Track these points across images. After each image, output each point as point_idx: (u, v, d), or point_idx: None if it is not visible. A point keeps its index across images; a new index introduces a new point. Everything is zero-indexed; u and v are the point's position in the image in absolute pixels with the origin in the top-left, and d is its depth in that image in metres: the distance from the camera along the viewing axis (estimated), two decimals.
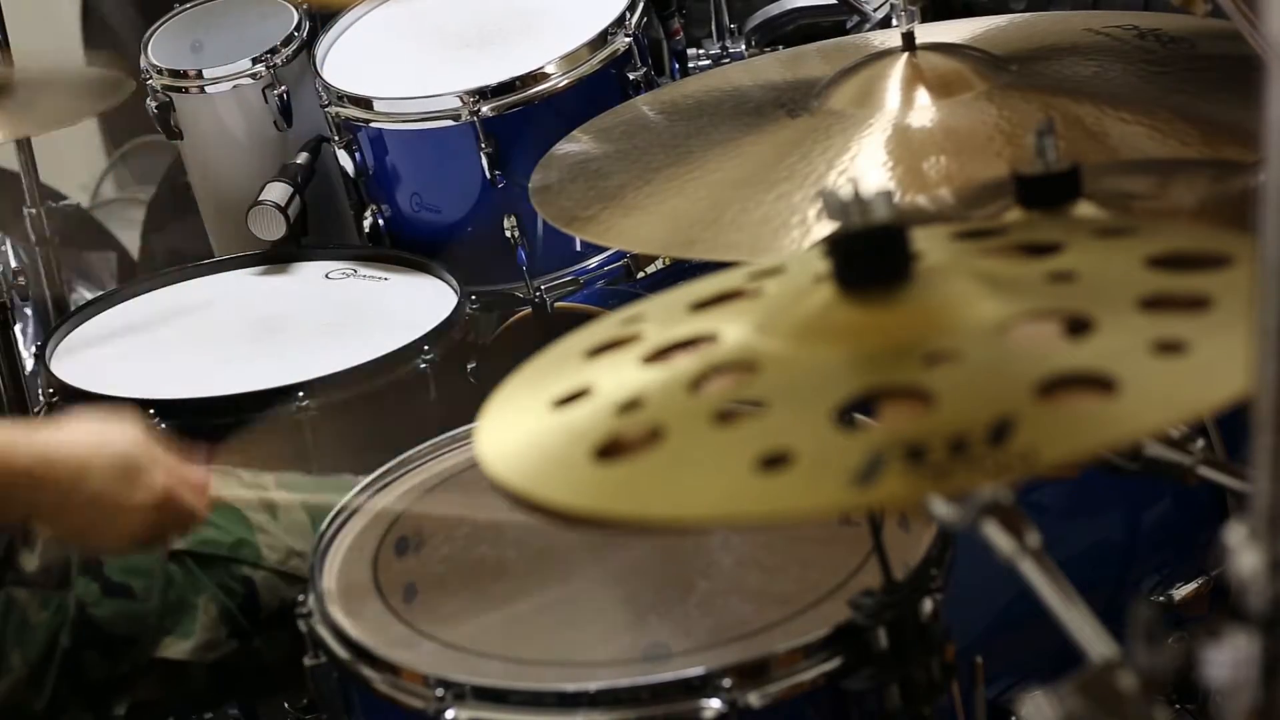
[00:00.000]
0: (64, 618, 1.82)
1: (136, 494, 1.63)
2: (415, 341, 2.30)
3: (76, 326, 2.50)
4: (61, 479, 1.61)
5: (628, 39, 2.55)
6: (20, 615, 1.80)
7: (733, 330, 1.20)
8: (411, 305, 2.45)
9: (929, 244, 1.21)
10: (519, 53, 2.58)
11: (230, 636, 1.89)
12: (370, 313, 2.46)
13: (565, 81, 2.51)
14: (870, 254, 1.17)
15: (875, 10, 2.68)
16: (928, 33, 1.94)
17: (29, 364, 2.68)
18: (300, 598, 1.62)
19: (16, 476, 1.60)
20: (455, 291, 2.45)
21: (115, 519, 1.64)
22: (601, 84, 2.53)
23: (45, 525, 1.70)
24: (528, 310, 2.57)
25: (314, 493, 1.98)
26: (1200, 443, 1.36)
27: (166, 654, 1.87)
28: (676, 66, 2.87)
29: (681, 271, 2.58)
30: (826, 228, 1.32)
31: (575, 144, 2.05)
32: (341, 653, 1.55)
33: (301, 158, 2.70)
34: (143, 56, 2.79)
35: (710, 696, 1.42)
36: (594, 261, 2.62)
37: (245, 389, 2.24)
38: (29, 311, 3.22)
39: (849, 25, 2.72)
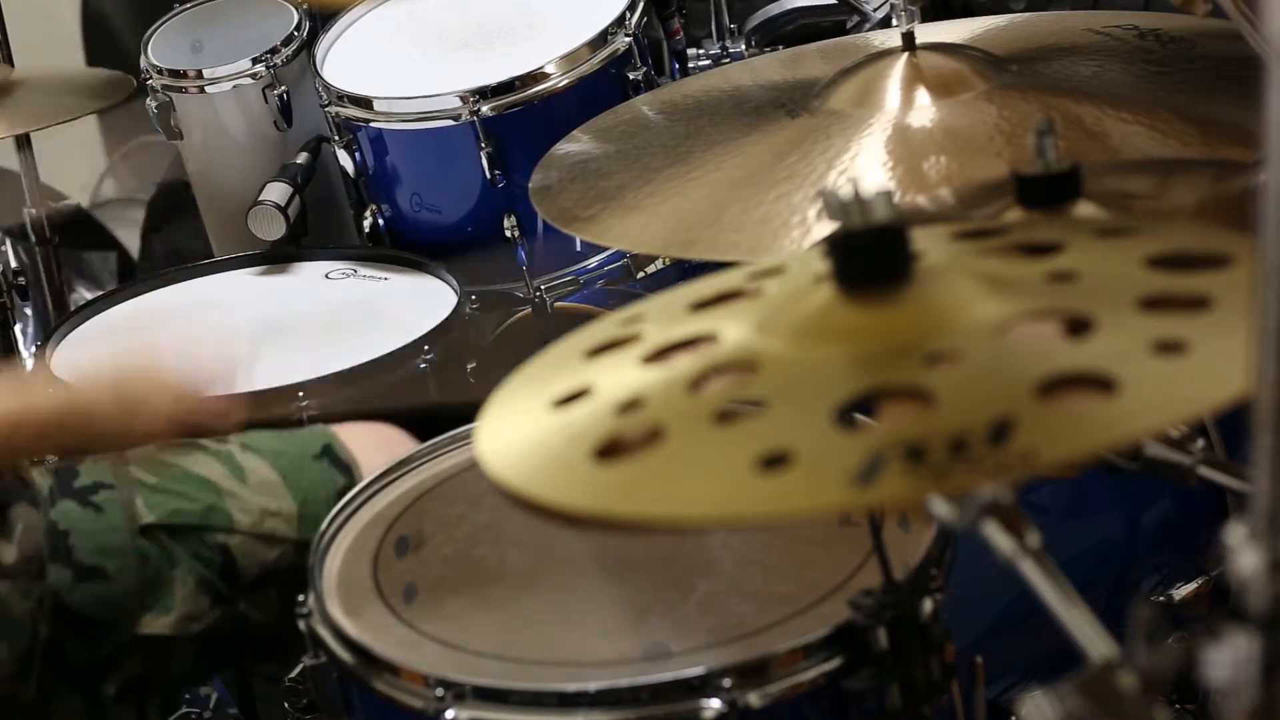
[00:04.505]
0: (42, 608, 1.81)
1: (139, 423, 1.75)
2: (415, 341, 2.30)
3: (76, 326, 2.50)
4: (70, 424, 1.75)
5: (628, 39, 2.55)
6: (2, 609, 1.79)
7: (733, 330, 1.20)
8: (411, 305, 2.45)
9: (929, 244, 1.21)
10: (519, 52, 2.58)
11: (213, 605, 1.88)
12: (370, 313, 2.46)
13: (565, 81, 2.51)
14: (870, 254, 1.17)
15: (875, 10, 2.68)
16: (928, 33, 1.94)
17: (29, 364, 2.68)
18: (300, 597, 1.62)
19: (44, 428, 1.75)
20: (455, 291, 2.45)
21: (128, 440, 1.78)
22: (601, 84, 2.53)
23: (77, 454, 1.86)
24: (528, 310, 2.57)
25: (281, 448, 1.96)
26: (1200, 443, 1.36)
27: (149, 630, 1.85)
28: (676, 66, 2.87)
29: (681, 271, 2.58)
30: (826, 228, 1.32)
31: (575, 144, 2.05)
32: (341, 653, 1.55)
33: (301, 158, 2.70)
34: (143, 56, 2.79)
35: (710, 696, 1.42)
36: (594, 261, 2.61)
37: (245, 389, 2.24)
38: (29, 311, 3.22)
39: (849, 25, 2.72)
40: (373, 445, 1.86)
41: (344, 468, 1.88)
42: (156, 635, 1.85)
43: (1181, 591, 1.99)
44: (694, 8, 2.95)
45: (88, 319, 2.52)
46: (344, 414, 2.05)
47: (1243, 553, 0.87)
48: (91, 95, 2.78)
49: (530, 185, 1.97)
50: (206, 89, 2.74)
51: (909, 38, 1.88)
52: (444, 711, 1.44)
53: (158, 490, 1.89)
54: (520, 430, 1.19)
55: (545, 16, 2.66)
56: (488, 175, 2.51)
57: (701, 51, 2.91)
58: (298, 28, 2.78)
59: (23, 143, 2.79)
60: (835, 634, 1.45)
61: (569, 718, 1.43)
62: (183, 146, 2.83)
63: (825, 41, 2.24)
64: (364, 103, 2.57)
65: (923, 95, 1.85)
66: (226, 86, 2.73)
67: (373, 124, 2.58)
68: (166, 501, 1.87)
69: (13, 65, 2.81)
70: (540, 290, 2.57)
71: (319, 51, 2.69)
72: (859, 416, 1.09)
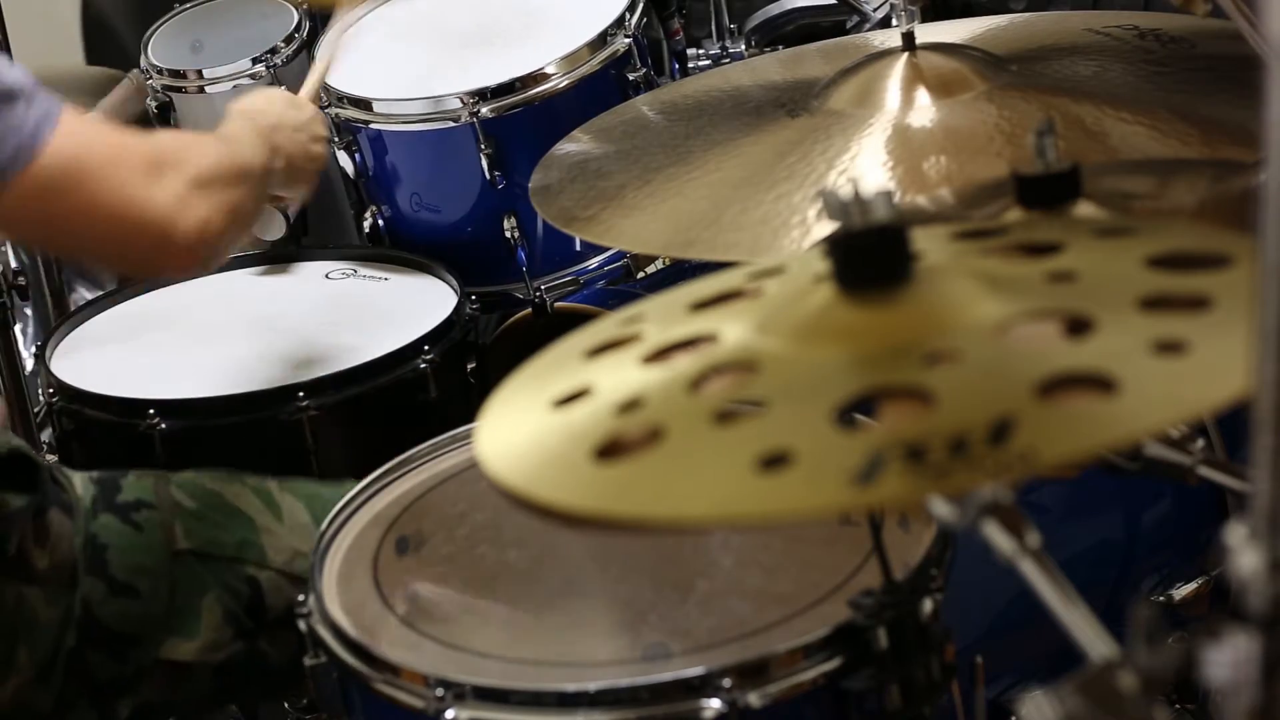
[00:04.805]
0: (71, 617, 1.82)
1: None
2: (415, 341, 2.30)
3: (76, 326, 2.50)
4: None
5: (628, 39, 2.55)
6: (29, 613, 1.80)
7: (733, 330, 1.20)
8: (411, 305, 2.44)
9: (929, 244, 1.21)
10: (519, 53, 2.58)
11: (236, 638, 1.89)
12: (370, 313, 2.46)
13: (565, 82, 2.51)
14: (870, 254, 1.17)
15: (875, 10, 2.68)
16: (928, 33, 1.94)
17: (29, 364, 2.68)
18: (300, 597, 1.62)
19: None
20: (455, 291, 2.45)
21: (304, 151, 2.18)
22: (601, 84, 2.53)
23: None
24: (528, 310, 2.57)
25: (319, 493, 1.98)
26: (1200, 443, 1.36)
27: (172, 655, 1.86)
28: (676, 66, 2.87)
29: (681, 271, 2.58)
30: (826, 228, 1.32)
31: (575, 144, 2.05)
32: (341, 652, 1.55)
33: None
34: (143, 56, 2.79)
35: (710, 696, 1.42)
36: (594, 261, 2.61)
37: (245, 389, 2.24)
38: (29, 311, 3.22)
39: (849, 25, 2.72)
40: None
41: None
42: (178, 660, 1.86)
43: (1181, 591, 1.99)
44: (694, 8, 2.95)
45: (88, 319, 2.51)
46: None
47: (1243, 553, 0.87)
48: (93, 93, 2.77)
49: (530, 185, 1.97)
50: (206, 89, 2.74)
51: (909, 38, 1.88)
52: (444, 711, 1.44)
53: (197, 518, 1.91)
54: (520, 430, 1.19)
55: (545, 17, 2.66)
56: (487, 176, 2.51)
57: (701, 51, 2.91)
58: (298, 28, 2.77)
59: None
60: (835, 634, 1.45)
61: (569, 718, 1.43)
62: None
63: (825, 41, 2.24)
64: (364, 104, 2.57)
65: (923, 95, 1.85)
66: (226, 86, 2.73)
67: (372, 125, 2.58)
68: (204, 530, 1.89)
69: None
70: (540, 290, 2.57)
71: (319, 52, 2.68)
72: (859, 416, 1.09)
